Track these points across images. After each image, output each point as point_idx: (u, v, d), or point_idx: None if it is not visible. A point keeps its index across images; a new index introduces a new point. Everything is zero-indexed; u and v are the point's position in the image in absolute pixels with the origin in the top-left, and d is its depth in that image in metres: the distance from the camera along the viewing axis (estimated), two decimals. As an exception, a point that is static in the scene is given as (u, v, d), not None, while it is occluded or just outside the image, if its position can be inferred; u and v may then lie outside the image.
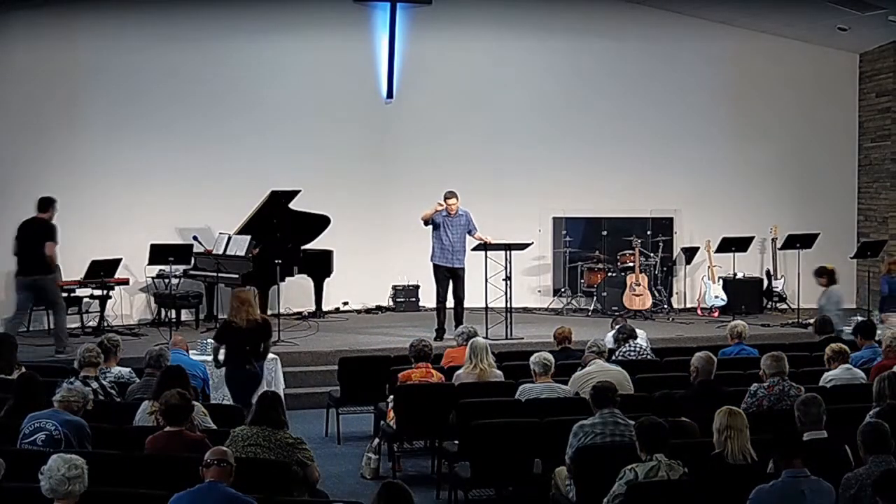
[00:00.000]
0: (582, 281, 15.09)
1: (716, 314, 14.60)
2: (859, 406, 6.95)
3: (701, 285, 14.97)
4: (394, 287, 15.06)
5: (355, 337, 12.77)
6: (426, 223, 12.37)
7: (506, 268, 12.38)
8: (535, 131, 15.36)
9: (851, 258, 14.90)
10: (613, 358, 9.17)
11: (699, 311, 14.99)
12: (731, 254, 14.41)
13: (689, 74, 15.70)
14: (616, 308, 14.25)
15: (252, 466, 6.01)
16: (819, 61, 15.87)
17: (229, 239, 13.32)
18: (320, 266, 13.98)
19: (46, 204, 11.49)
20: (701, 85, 15.71)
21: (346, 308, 14.96)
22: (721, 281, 14.66)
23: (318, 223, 13.75)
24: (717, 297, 14.63)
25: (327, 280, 14.15)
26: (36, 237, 11.41)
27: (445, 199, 12.24)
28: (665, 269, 15.09)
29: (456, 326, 10.83)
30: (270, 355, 10.56)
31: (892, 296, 12.61)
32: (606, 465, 6.05)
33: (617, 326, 10.06)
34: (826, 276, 12.41)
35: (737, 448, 5.84)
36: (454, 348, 9.58)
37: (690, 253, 15.49)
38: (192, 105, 14.20)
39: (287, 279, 13.17)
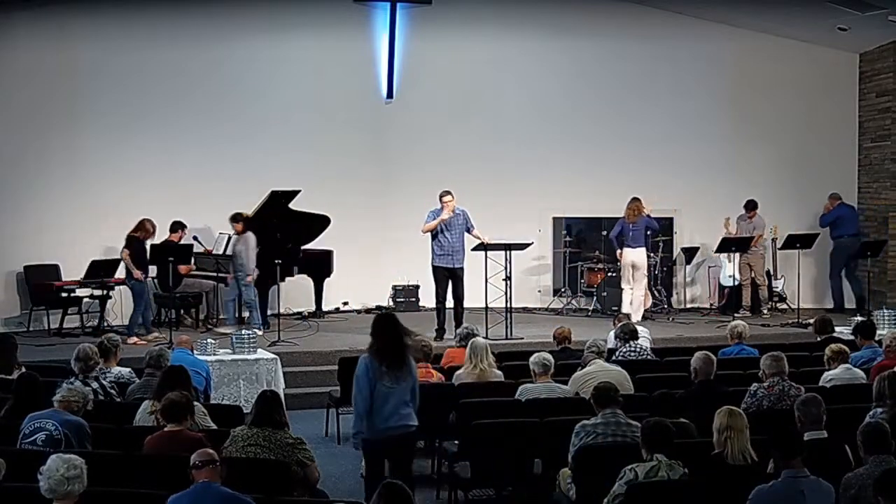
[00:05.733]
0: (582, 281, 15.08)
1: (723, 301, 14.64)
2: (859, 406, 6.96)
3: (718, 261, 14.92)
4: (394, 287, 15.04)
5: (355, 337, 12.73)
6: (428, 232, 12.34)
7: (506, 268, 12.37)
8: (535, 131, 15.33)
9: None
10: (614, 358, 9.17)
11: (710, 298, 15.30)
12: (732, 254, 14.39)
13: (689, 74, 15.67)
14: (616, 308, 14.22)
15: (252, 466, 6.02)
16: (819, 61, 15.84)
17: (229, 239, 13.32)
18: (320, 266, 13.97)
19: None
20: (701, 85, 15.69)
21: (346, 308, 14.95)
22: (735, 260, 14.62)
23: (318, 223, 13.74)
24: (730, 276, 14.63)
25: (327, 280, 14.15)
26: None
27: (441, 198, 12.21)
28: (665, 269, 15.08)
29: (456, 326, 10.82)
30: (269, 355, 10.62)
31: (620, 237, 13.80)
32: (607, 464, 6.05)
33: (620, 324, 10.05)
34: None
35: (737, 448, 5.85)
36: (454, 348, 9.58)
37: (690, 253, 15.48)
38: (192, 105, 14.20)
39: (287, 279, 13.18)
